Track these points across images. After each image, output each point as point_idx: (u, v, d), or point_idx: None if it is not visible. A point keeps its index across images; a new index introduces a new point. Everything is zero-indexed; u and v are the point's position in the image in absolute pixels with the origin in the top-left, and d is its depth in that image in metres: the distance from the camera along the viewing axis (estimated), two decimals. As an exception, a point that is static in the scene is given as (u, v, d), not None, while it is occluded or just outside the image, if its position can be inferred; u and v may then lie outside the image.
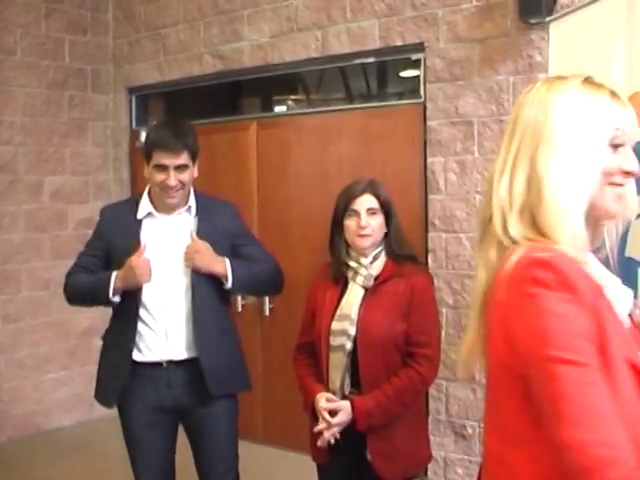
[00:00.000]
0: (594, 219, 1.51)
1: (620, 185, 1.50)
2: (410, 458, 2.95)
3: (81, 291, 3.27)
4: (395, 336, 2.85)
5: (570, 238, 1.40)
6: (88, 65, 6.17)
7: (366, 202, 2.91)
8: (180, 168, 3.10)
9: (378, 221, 2.92)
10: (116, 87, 6.32)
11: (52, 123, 5.95)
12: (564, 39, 3.36)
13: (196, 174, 3.22)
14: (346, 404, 2.83)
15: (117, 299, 3.16)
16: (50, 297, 5.89)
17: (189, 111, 6.16)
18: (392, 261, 2.94)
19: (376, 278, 2.92)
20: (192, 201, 3.25)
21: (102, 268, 3.24)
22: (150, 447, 3.25)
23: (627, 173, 1.50)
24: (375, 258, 2.94)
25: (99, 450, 5.47)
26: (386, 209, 2.94)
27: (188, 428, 3.34)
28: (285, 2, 5.18)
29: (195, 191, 3.29)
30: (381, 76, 5.25)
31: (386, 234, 2.97)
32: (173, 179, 3.08)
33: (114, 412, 3.29)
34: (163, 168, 3.08)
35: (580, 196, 1.44)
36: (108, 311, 3.30)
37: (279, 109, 5.71)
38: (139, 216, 3.21)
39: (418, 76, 4.70)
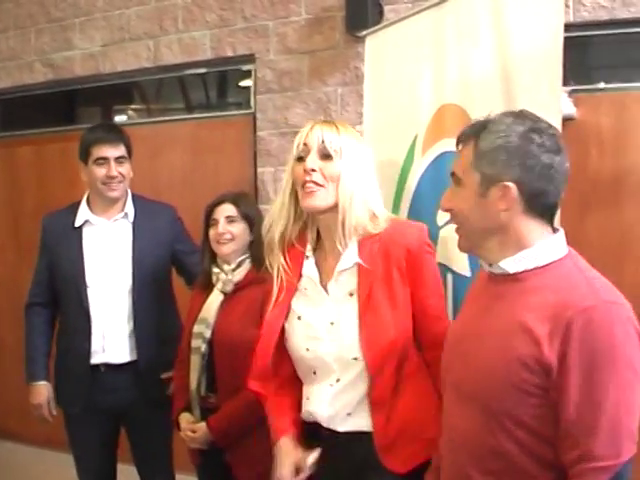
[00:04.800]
0: None
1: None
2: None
3: (25, 345, 3.42)
4: (248, 341, 2.78)
5: None
6: None
7: (225, 211, 2.99)
8: (119, 160, 3.25)
9: (238, 228, 3.00)
10: (-57, 94, 6.04)
11: None
12: (379, 53, 3.45)
13: (131, 174, 3.33)
14: (202, 425, 2.96)
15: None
16: None
17: (21, 121, 5.94)
18: (254, 268, 2.98)
19: (238, 284, 3.00)
20: (129, 207, 3.33)
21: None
22: (90, 447, 3.33)
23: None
24: (239, 265, 3.01)
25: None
26: (247, 218, 3.03)
27: (127, 430, 3.43)
28: (117, 11, 5.09)
29: (133, 195, 3.38)
30: (218, 86, 5.24)
31: (252, 242, 3.03)
32: (114, 169, 3.22)
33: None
34: (104, 161, 3.23)
35: None
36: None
37: (119, 119, 5.60)
38: (77, 224, 3.30)
39: (250, 87, 4.73)
